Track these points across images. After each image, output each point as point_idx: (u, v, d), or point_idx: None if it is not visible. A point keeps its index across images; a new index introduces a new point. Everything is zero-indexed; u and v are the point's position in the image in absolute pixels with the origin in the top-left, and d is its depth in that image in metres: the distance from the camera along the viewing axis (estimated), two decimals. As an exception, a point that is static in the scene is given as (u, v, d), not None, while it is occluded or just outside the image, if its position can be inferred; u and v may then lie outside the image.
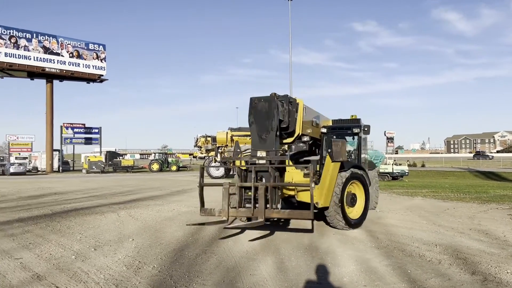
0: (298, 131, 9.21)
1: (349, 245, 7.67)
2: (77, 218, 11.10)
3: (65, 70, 50.39)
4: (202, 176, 8.69)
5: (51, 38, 49.63)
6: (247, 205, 8.17)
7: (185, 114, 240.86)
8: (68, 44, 50.96)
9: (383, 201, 14.17)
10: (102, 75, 53.94)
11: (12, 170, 44.26)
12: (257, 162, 8.28)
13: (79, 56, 51.52)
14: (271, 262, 6.43)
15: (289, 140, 9.43)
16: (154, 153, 56.54)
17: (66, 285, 5.28)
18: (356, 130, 10.60)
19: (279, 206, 8.17)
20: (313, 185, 7.58)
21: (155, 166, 48.33)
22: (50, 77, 50.73)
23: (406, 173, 32.10)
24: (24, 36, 47.55)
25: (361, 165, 10.37)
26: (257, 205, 7.95)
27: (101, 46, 53.52)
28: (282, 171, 8.77)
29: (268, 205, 7.97)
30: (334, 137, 10.46)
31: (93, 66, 52.76)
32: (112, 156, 53.24)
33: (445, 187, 22.07)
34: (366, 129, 10.73)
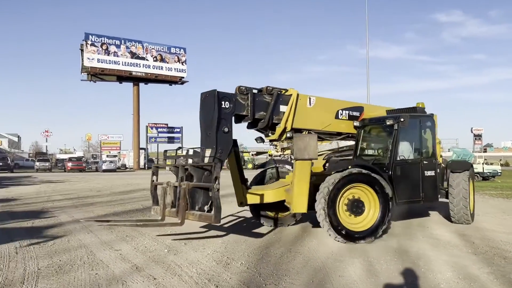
0: (283, 125, 8.47)
1: (442, 249, 7.24)
2: (165, 213, 11.71)
3: (149, 73, 53.74)
4: (155, 174, 8.45)
5: (137, 43, 53.14)
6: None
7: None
8: (152, 48, 54.17)
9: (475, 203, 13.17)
10: (183, 77, 56.63)
11: (104, 167, 48.13)
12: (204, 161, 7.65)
13: (162, 60, 54.55)
14: (359, 265, 6.26)
15: (273, 136, 8.77)
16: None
17: (163, 277, 5.57)
18: (389, 122, 8.73)
19: (206, 208, 7.43)
20: (216, 185, 6.85)
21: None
22: (136, 80, 54.40)
23: (499, 173, 29.68)
24: (113, 42, 51.42)
25: (399, 164, 8.68)
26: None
27: (182, 50, 56.17)
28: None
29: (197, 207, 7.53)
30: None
31: (174, 69, 55.60)
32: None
33: (547, 189, 20.01)
34: (403, 119, 8.58)
